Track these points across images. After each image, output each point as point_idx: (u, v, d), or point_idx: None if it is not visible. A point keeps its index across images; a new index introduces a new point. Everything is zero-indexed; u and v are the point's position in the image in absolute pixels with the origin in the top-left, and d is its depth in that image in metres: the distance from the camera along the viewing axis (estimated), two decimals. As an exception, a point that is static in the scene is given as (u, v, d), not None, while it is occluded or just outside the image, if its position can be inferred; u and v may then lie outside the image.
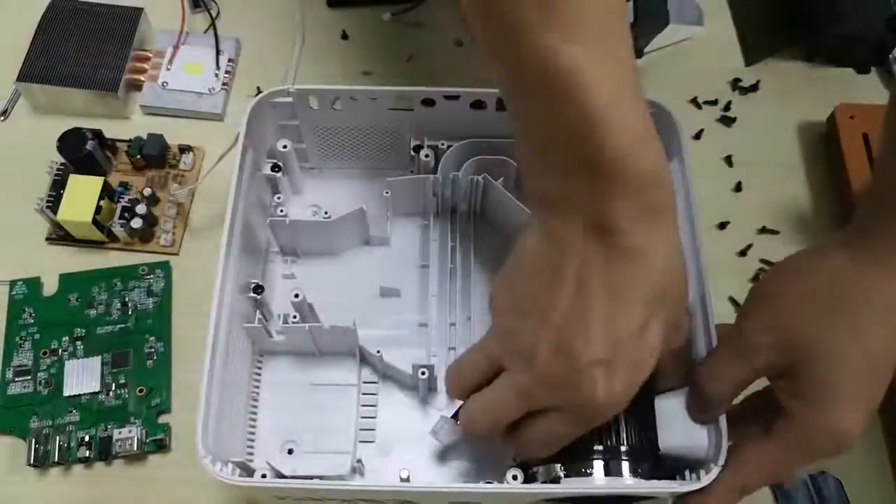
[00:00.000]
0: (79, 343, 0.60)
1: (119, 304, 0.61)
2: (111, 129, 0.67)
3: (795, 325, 0.44)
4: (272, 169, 0.60)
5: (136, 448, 0.56)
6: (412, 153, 0.61)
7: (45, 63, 0.67)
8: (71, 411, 0.57)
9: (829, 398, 0.43)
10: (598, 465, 0.47)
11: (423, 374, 0.54)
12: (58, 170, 0.63)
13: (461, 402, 0.52)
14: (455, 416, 0.52)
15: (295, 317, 0.56)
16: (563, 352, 0.43)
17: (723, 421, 0.46)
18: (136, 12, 0.70)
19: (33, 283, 0.62)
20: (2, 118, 0.69)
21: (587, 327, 0.42)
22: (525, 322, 0.44)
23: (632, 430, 0.48)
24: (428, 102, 0.58)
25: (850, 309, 0.44)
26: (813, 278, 0.45)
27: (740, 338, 0.46)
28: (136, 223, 0.62)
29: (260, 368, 0.58)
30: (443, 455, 0.55)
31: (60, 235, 0.64)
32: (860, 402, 0.43)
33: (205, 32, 0.72)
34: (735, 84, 0.72)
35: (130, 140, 0.67)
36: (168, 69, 0.70)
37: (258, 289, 0.55)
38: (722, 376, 0.46)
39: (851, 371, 0.43)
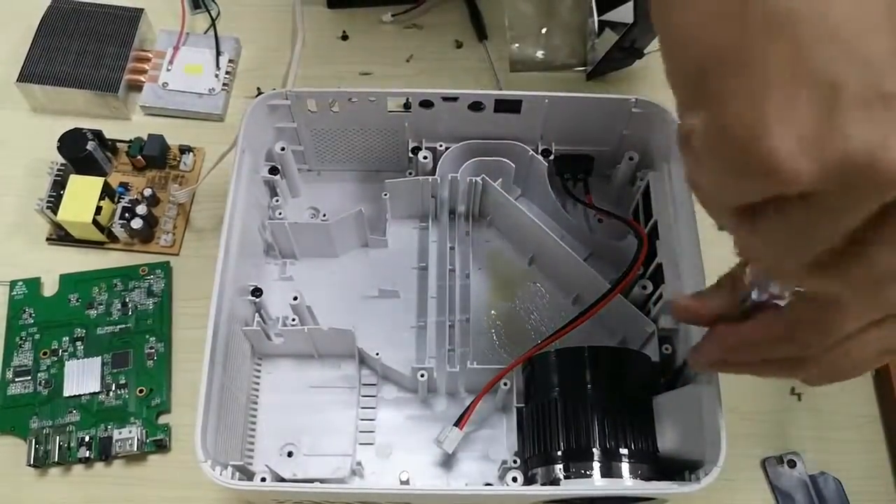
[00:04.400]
0: (79, 343, 0.60)
1: (119, 305, 0.61)
2: (111, 130, 0.67)
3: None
4: (270, 172, 0.60)
5: (135, 448, 0.56)
6: (410, 155, 0.61)
7: (45, 63, 0.67)
8: (71, 411, 0.57)
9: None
10: (598, 467, 0.48)
11: (422, 375, 0.54)
12: (58, 170, 0.63)
13: (464, 408, 0.52)
14: (458, 423, 0.52)
15: (294, 319, 0.56)
16: None
17: (722, 422, 0.46)
18: (137, 13, 0.70)
19: (33, 283, 0.62)
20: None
21: None
22: None
23: (630, 432, 0.48)
24: (426, 104, 0.58)
25: None
26: None
27: None
28: (137, 223, 0.62)
29: (259, 371, 0.58)
30: (443, 457, 0.55)
31: (60, 235, 0.64)
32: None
33: (205, 33, 0.72)
34: (735, 84, 0.72)
35: (131, 140, 0.67)
36: (168, 70, 0.70)
37: (257, 291, 0.55)
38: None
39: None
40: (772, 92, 0.24)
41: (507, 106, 0.58)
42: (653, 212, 0.57)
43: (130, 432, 0.57)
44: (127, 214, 0.63)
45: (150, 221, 0.63)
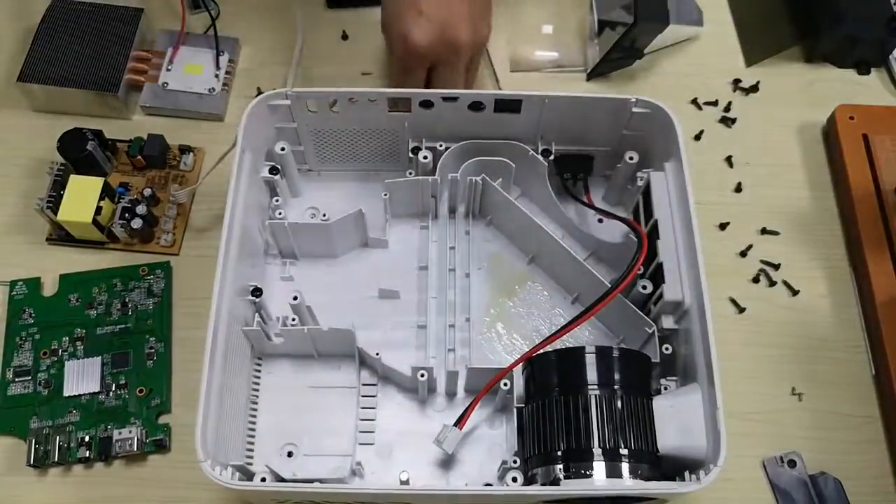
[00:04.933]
0: (79, 343, 0.60)
1: (119, 305, 0.61)
2: (111, 130, 0.67)
3: None
4: (270, 172, 0.60)
5: (135, 448, 0.56)
6: (410, 155, 0.61)
7: (45, 63, 0.67)
8: (71, 411, 0.58)
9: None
10: (598, 467, 0.48)
11: (422, 375, 0.54)
12: (58, 170, 0.63)
13: (463, 409, 0.53)
14: (458, 423, 0.52)
15: (294, 319, 0.56)
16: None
17: (722, 422, 0.46)
18: (137, 12, 0.70)
19: (33, 283, 0.62)
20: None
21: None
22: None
23: (630, 432, 0.48)
24: (426, 104, 0.58)
25: None
26: None
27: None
28: (136, 223, 0.62)
29: (259, 371, 0.58)
30: (443, 457, 0.55)
31: (60, 235, 0.64)
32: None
33: (205, 33, 0.72)
34: (735, 84, 0.72)
35: (131, 140, 0.67)
36: (168, 69, 0.70)
37: (257, 292, 0.55)
38: None
39: None
40: (405, 15, 0.59)
41: (507, 106, 0.58)
42: (653, 212, 0.57)
43: (130, 432, 0.57)
44: (127, 214, 0.63)
45: (150, 221, 0.64)
